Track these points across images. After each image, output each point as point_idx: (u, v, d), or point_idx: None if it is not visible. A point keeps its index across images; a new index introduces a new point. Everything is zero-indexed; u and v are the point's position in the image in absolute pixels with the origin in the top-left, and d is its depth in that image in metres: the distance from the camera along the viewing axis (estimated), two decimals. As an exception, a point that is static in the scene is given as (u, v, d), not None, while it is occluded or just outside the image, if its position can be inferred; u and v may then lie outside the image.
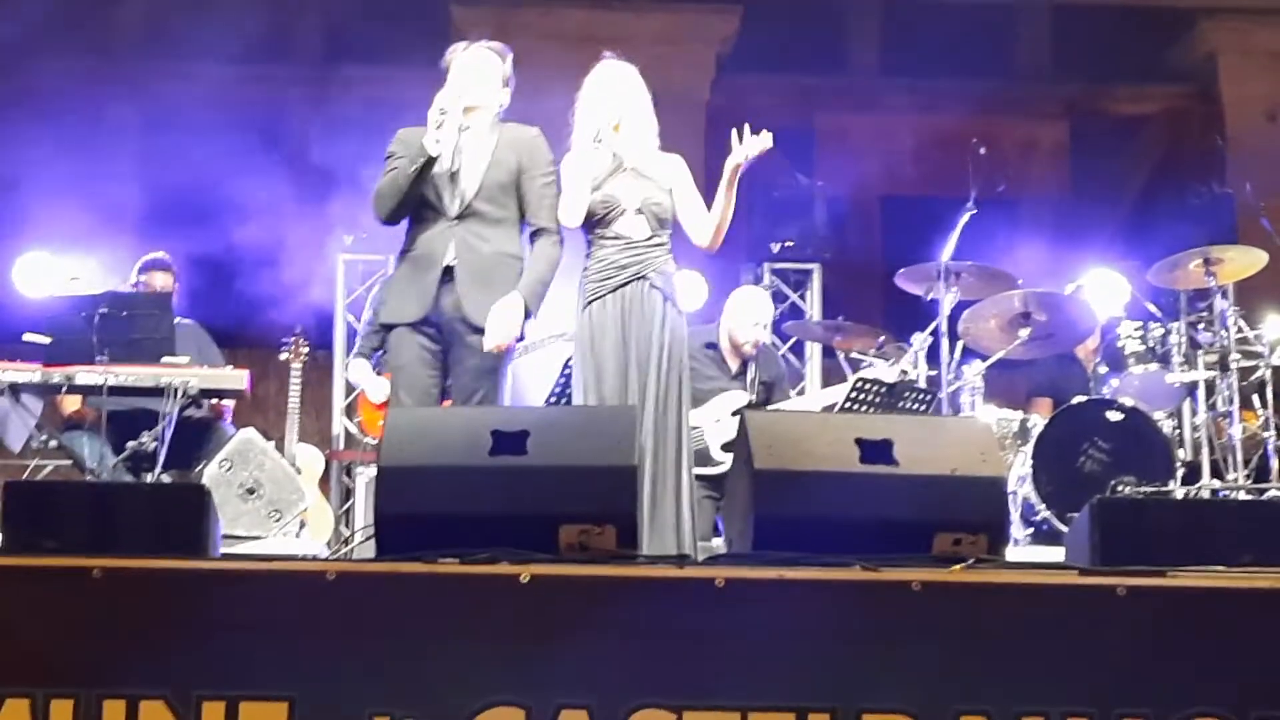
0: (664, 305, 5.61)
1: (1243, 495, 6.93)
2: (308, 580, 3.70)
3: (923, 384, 7.35)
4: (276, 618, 3.64)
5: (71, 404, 7.48)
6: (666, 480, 5.46)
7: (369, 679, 3.59)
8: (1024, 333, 7.31)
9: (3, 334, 6.94)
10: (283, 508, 7.08)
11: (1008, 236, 8.53)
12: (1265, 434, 7.11)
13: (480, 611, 3.65)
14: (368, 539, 4.08)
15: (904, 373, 7.34)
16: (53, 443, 7.17)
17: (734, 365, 7.52)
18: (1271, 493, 6.91)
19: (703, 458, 6.91)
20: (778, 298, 9.45)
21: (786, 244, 9.93)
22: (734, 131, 5.63)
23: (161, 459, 6.71)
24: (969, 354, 7.46)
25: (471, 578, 3.68)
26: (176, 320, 7.11)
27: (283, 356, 8.44)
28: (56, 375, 6.60)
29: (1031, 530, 6.99)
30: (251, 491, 7.03)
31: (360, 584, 3.70)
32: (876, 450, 4.06)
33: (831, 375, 9.22)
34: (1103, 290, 7.96)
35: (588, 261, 5.68)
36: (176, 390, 6.63)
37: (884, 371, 7.38)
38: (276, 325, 8.75)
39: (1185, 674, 3.63)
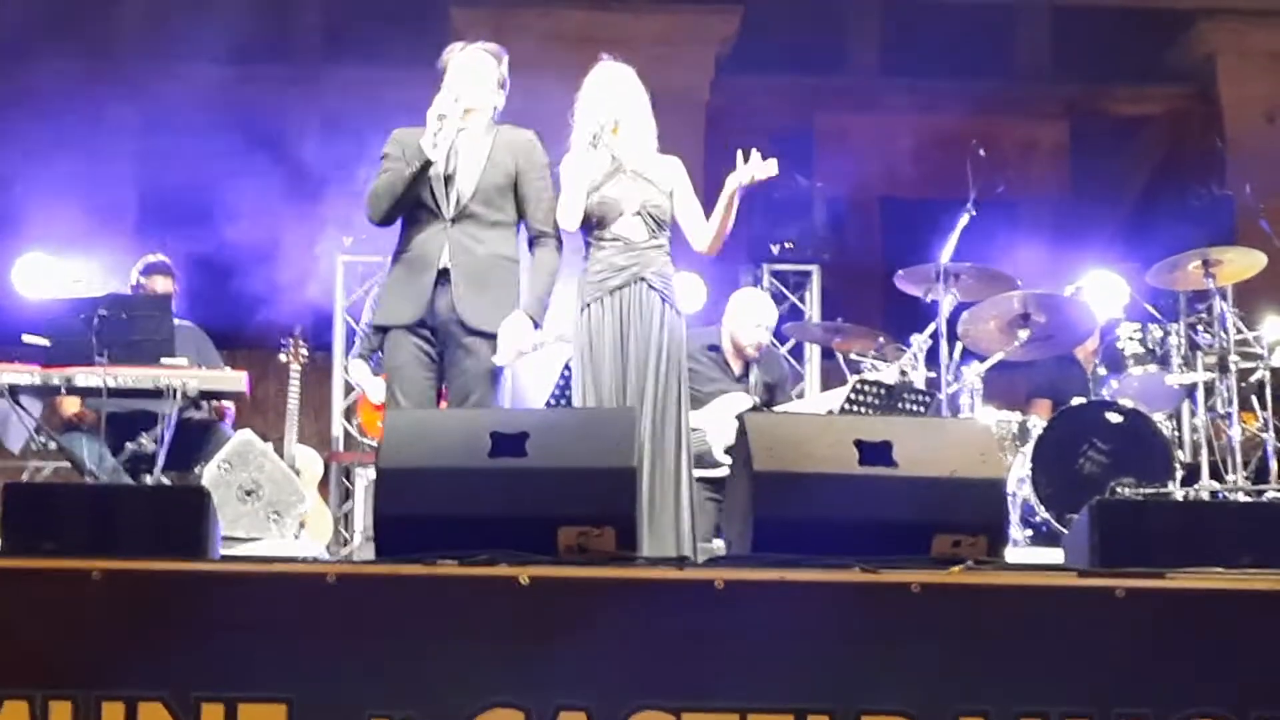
0: (662, 307, 5.62)
1: (1242, 497, 6.93)
2: (307, 582, 3.70)
3: (922, 385, 7.34)
4: (275, 619, 3.64)
5: (71, 406, 7.47)
6: (665, 482, 5.46)
7: (368, 681, 3.59)
8: (1023, 334, 7.30)
9: (2, 335, 6.93)
10: (282, 509, 7.08)
11: (1007, 238, 8.53)
12: (1264, 435, 7.10)
13: (479, 613, 3.65)
14: (367, 541, 4.08)
15: (903, 374, 7.34)
16: (52, 444, 7.17)
17: (736, 367, 7.52)
18: (1270, 494, 6.91)
19: (705, 460, 6.91)
20: (777, 299, 9.44)
21: (786, 245, 9.93)
22: (739, 152, 5.63)
23: (161, 461, 6.70)
24: (968, 355, 7.45)
25: (471, 579, 3.69)
26: (176, 322, 7.11)
27: (282, 358, 8.44)
28: (56, 377, 6.59)
29: (1031, 532, 6.98)
30: (251, 493, 7.03)
31: (359, 585, 3.70)
32: (876, 452, 4.07)
33: (831, 377, 9.21)
34: (1102, 291, 7.96)
35: (586, 263, 5.68)
36: (176, 392, 6.63)
37: (883, 373, 7.38)
38: (275, 326, 8.75)
39: (1184, 675, 3.63)
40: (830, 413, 7.35)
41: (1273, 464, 7.02)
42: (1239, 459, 7.00)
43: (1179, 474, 7.02)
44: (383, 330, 5.67)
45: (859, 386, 7.17)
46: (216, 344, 7.85)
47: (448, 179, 5.55)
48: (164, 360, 6.71)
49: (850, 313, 8.63)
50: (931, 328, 7.32)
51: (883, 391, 7.15)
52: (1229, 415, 7.08)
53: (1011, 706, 3.60)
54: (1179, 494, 6.90)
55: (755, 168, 5.60)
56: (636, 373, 5.53)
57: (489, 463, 4.02)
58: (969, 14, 11.79)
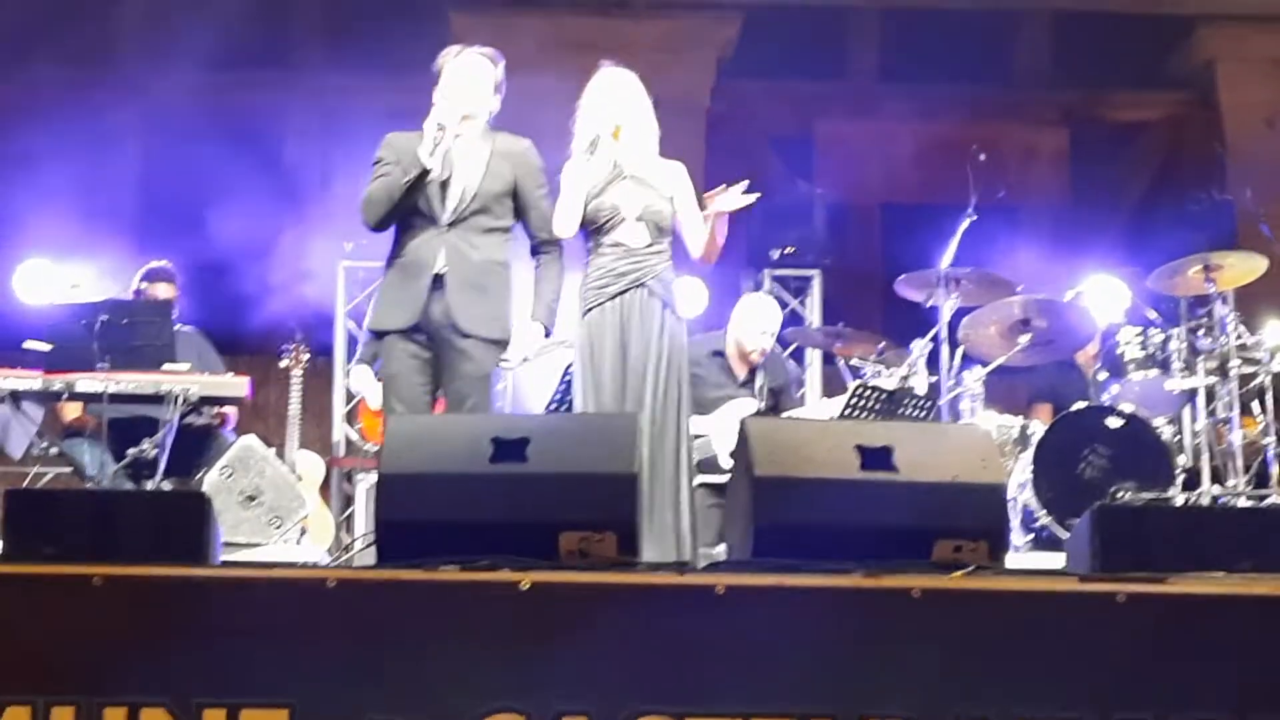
0: (663, 312, 5.62)
1: (1243, 502, 6.93)
2: (308, 587, 3.70)
3: (923, 391, 7.34)
4: (277, 624, 3.64)
5: (72, 411, 7.48)
6: (665, 486, 5.46)
7: (369, 685, 3.59)
8: (1024, 339, 7.30)
9: (3, 341, 6.94)
10: (283, 515, 7.08)
11: (1007, 243, 8.53)
12: (1265, 440, 7.10)
13: (480, 618, 3.65)
14: (368, 546, 4.09)
15: (904, 379, 7.34)
16: (53, 450, 7.18)
17: (741, 373, 7.53)
18: (1271, 499, 6.91)
19: (711, 466, 6.92)
20: (778, 304, 9.45)
21: (786, 250, 9.93)
22: (724, 185, 5.63)
23: (162, 466, 6.71)
24: (969, 360, 7.45)
25: (472, 584, 3.69)
26: (177, 327, 7.11)
27: (283, 363, 8.44)
28: (57, 382, 6.61)
29: (1032, 537, 6.98)
30: (252, 499, 7.03)
31: (361, 591, 3.70)
32: (876, 457, 4.07)
33: (831, 382, 9.21)
34: (1103, 296, 7.95)
35: (587, 269, 5.69)
36: (177, 397, 6.64)
37: (884, 379, 7.38)
38: (277, 332, 8.75)
39: (1185, 680, 3.63)
40: (831, 419, 7.36)
41: (1273, 469, 7.02)
42: (1240, 464, 7.01)
43: (1180, 479, 7.02)
44: (377, 335, 5.69)
45: (860, 392, 7.17)
46: (218, 349, 7.86)
47: (443, 185, 5.56)
48: (165, 366, 6.73)
49: (851, 318, 8.62)
50: (932, 333, 7.32)
51: (883, 397, 7.15)
52: (1230, 420, 7.08)
53: (1012, 711, 3.60)
54: (1180, 499, 6.90)
55: (733, 200, 5.60)
56: (637, 378, 5.54)
57: (490, 468, 4.02)
58: (969, 20, 11.78)
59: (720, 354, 7.53)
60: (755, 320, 7.54)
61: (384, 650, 3.61)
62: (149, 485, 6.76)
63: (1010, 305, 7.31)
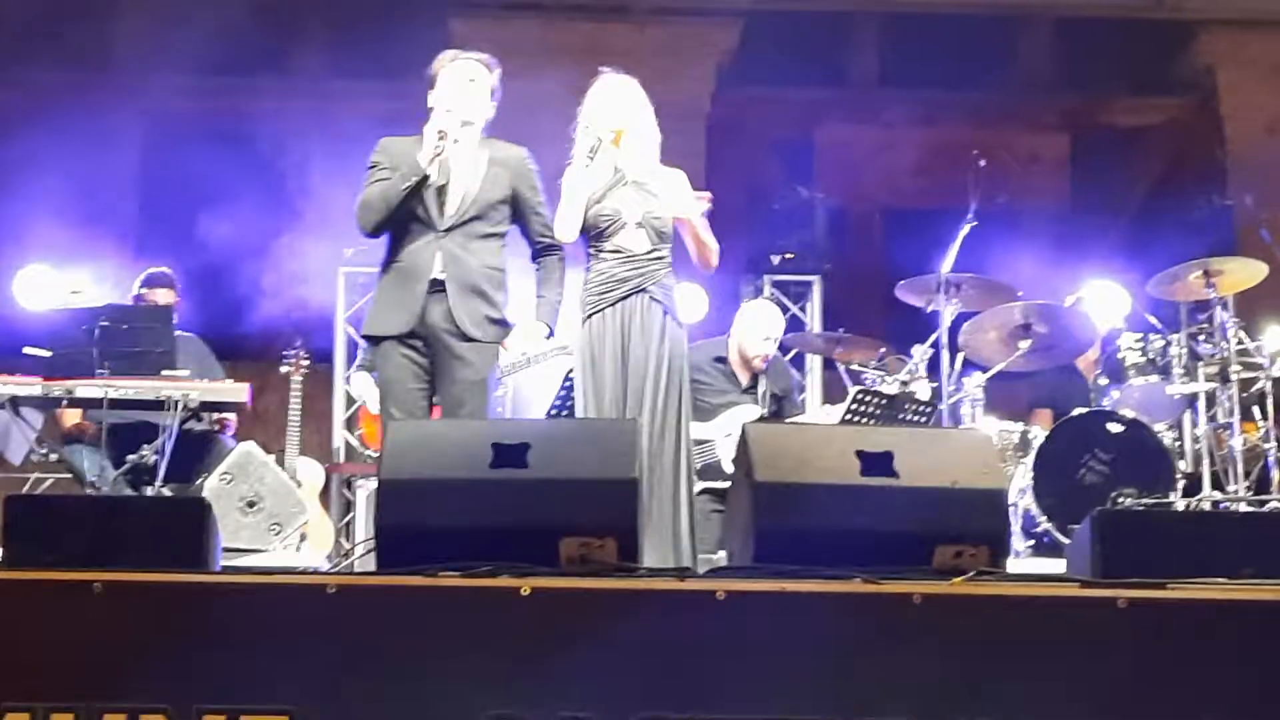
0: (664, 318, 5.62)
1: (1243, 507, 6.93)
2: (308, 593, 3.70)
3: (923, 396, 7.34)
4: (277, 630, 3.63)
5: (72, 417, 7.48)
6: (664, 492, 5.46)
7: (369, 692, 3.59)
8: (1024, 344, 7.30)
9: (3, 347, 6.94)
10: (283, 521, 7.07)
11: (1008, 248, 8.53)
12: (1266, 445, 7.11)
13: (481, 624, 3.64)
14: (368, 552, 4.08)
15: (904, 385, 7.34)
16: (53, 456, 7.17)
17: (744, 379, 7.53)
18: (1272, 504, 6.91)
19: (714, 472, 6.92)
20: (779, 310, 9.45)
21: (787, 256, 9.94)
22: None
23: (162, 472, 6.71)
24: (969, 366, 7.46)
25: (472, 590, 3.68)
26: (177, 333, 7.11)
27: (283, 369, 8.44)
28: (57, 388, 6.60)
29: (1033, 542, 6.98)
30: (252, 504, 7.03)
31: (361, 597, 3.70)
32: (877, 462, 4.06)
33: (832, 387, 9.21)
34: (1103, 302, 7.97)
35: (588, 275, 5.70)
36: (177, 403, 6.64)
37: (885, 384, 7.38)
38: (277, 338, 8.75)
39: (1186, 686, 3.63)
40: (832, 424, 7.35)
41: (1274, 474, 7.02)
42: (1240, 469, 7.01)
43: (1180, 484, 7.02)
44: (373, 341, 5.69)
45: (860, 397, 7.17)
46: (218, 355, 7.86)
47: (439, 190, 5.57)
48: (165, 372, 6.72)
49: (852, 323, 8.63)
50: (933, 338, 7.32)
51: (884, 402, 7.15)
52: (1230, 425, 7.09)
53: (1014, 717, 3.60)
54: (1181, 504, 6.90)
55: (687, 206, 5.66)
56: (637, 383, 5.54)
57: (490, 474, 4.02)
58: (969, 25, 11.78)
59: (723, 360, 7.53)
60: (758, 326, 7.55)
61: (384, 656, 3.61)
62: (149, 491, 6.75)
63: (1011, 310, 7.31)
